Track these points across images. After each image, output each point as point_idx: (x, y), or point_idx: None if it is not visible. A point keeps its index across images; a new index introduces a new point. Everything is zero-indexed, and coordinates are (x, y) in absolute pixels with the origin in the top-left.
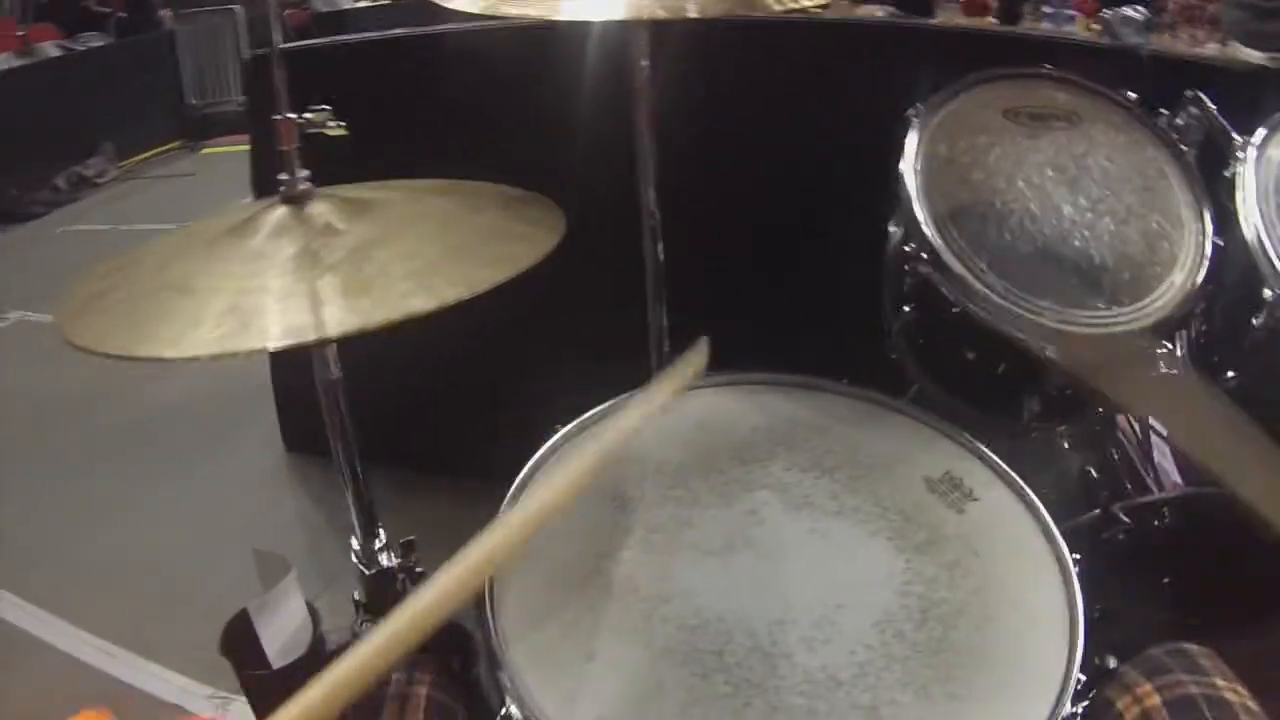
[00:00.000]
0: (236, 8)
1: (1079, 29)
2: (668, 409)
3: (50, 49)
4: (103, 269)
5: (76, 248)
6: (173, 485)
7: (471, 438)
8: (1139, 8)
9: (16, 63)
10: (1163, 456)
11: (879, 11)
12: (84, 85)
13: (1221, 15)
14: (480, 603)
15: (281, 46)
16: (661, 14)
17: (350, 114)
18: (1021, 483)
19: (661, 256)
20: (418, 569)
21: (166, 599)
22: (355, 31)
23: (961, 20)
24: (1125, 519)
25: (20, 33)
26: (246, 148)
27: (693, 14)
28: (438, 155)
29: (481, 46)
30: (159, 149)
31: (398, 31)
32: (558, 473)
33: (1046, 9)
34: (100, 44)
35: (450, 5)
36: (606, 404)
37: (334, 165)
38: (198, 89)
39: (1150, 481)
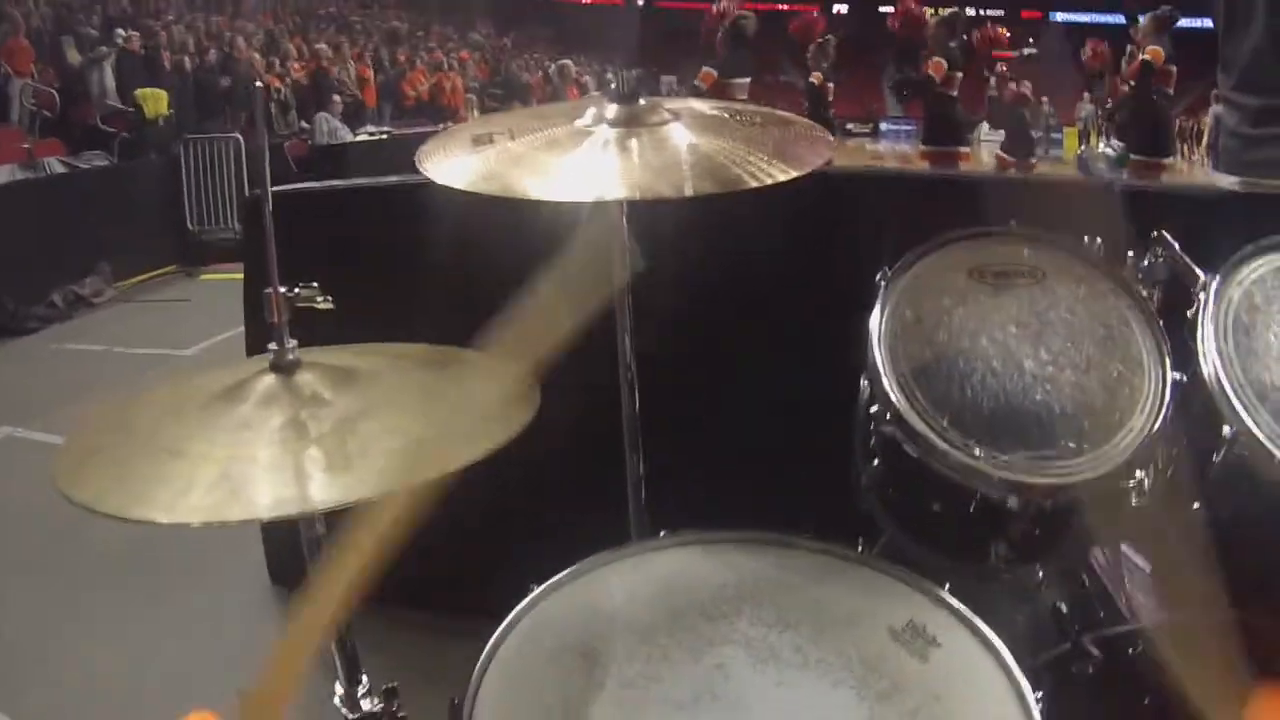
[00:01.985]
0: (238, 136)
1: (1067, 145)
2: None
3: (55, 164)
4: (97, 419)
5: (70, 367)
6: (159, 613)
7: (456, 576)
8: (1114, 143)
9: (20, 175)
10: (1134, 586)
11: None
12: (85, 203)
13: (1220, 145)
14: None
15: (275, 190)
16: (647, 194)
17: (337, 257)
18: (984, 627)
19: (638, 408)
20: (400, 714)
21: None
22: (353, 163)
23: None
24: (1095, 651)
25: (26, 145)
26: (242, 277)
27: (674, 194)
28: (420, 302)
29: (465, 199)
30: (156, 272)
31: (387, 180)
32: None
33: (1034, 133)
34: (104, 163)
35: (438, 180)
36: (576, 565)
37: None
38: (197, 214)
39: (1124, 608)
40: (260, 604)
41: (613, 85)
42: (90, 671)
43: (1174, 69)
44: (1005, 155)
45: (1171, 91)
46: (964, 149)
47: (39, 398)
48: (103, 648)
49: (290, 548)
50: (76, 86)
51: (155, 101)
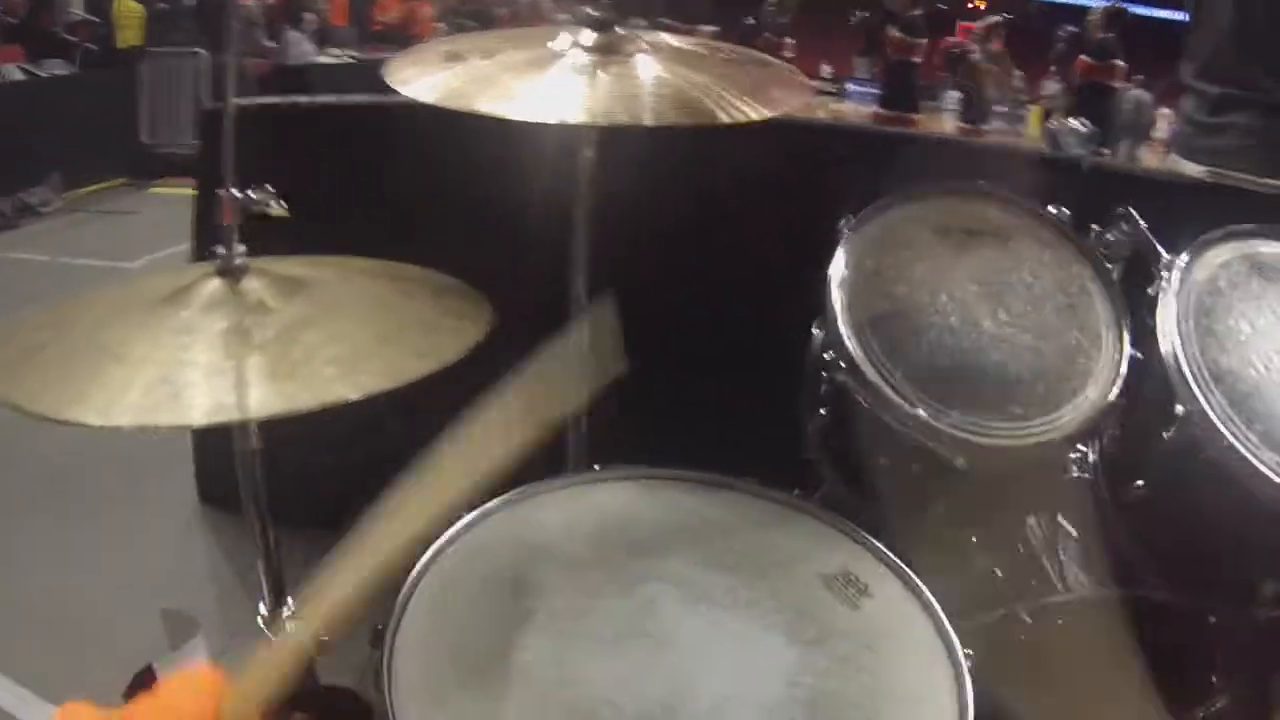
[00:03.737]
0: (201, 52)
1: (1032, 122)
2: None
3: (14, 71)
4: (37, 320)
5: (13, 277)
6: (87, 531)
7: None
8: (1084, 120)
9: None
10: (1068, 556)
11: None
12: (40, 112)
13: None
14: (378, 676)
15: (237, 102)
16: (612, 120)
17: (295, 175)
18: (917, 580)
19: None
20: (324, 637)
21: (76, 645)
22: (317, 86)
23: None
24: (1027, 619)
25: None
26: (192, 192)
27: (643, 122)
28: (376, 225)
29: (432, 121)
30: (106, 183)
31: (352, 98)
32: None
33: (999, 108)
34: (63, 73)
35: (406, 94)
36: (509, 493)
37: (273, 229)
38: (152, 128)
39: (1056, 580)
40: (189, 523)
41: (590, 12)
42: (13, 592)
43: (1120, 64)
44: (961, 123)
45: (1116, 85)
46: (916, 115)
47: None
48: (26, 569)
49: (220, 467)
50: None
51: (134, 31)
